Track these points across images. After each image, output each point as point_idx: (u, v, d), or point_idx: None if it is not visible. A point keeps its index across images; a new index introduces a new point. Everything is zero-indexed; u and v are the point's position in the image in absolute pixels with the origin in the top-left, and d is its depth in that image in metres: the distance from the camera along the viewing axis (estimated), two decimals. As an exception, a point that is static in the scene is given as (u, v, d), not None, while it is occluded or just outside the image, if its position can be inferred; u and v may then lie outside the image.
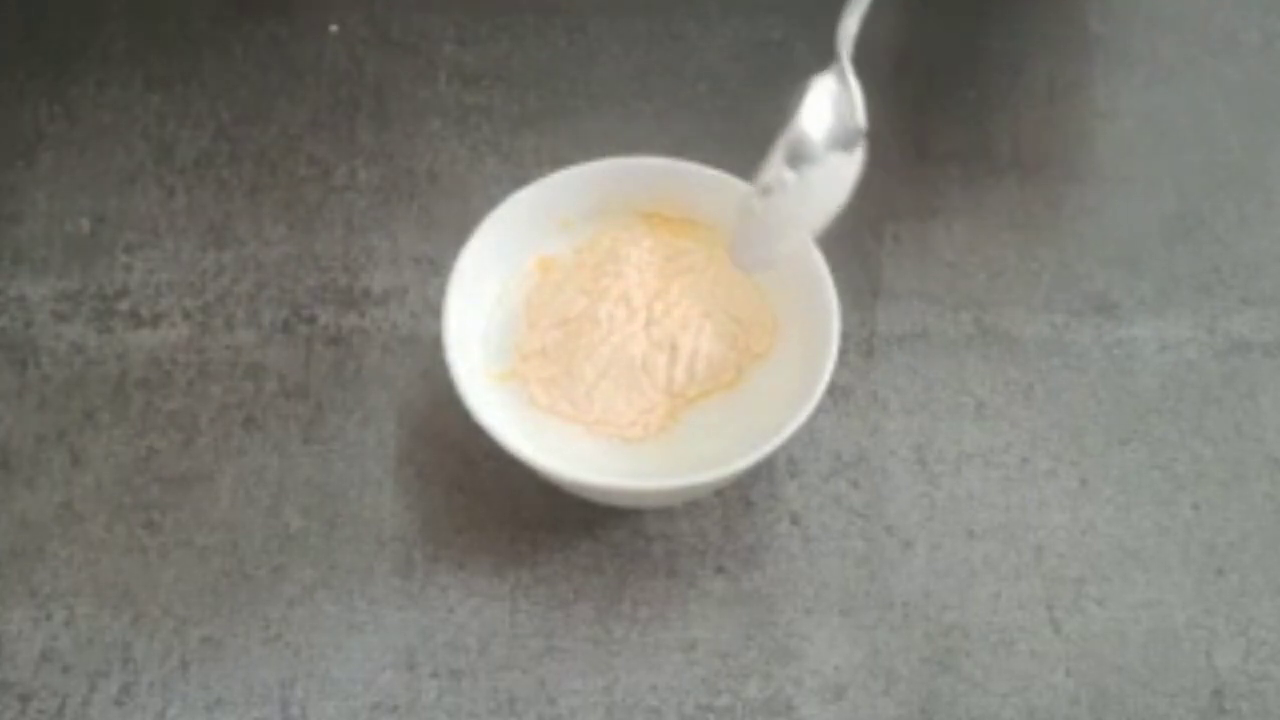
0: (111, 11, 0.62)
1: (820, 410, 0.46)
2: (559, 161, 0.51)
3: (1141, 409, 0.53)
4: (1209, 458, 0.52)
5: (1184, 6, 0.64)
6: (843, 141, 0.45)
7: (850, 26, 0.45)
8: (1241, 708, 0.47)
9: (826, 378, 0.46)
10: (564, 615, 0.49)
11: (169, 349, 0.54)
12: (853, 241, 0.56)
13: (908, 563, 0.50)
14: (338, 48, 0.61)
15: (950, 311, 0.55)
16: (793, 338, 0.50)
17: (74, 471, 0.51)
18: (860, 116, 0.45)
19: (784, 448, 0.46)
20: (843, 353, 0.47)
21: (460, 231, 0.49)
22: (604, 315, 0.48)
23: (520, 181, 0.50)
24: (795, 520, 0.50)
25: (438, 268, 0.55)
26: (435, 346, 0.47)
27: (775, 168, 0.44)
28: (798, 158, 0.44)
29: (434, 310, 0.48)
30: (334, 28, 0.62)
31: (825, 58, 0.46)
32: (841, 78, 0.45)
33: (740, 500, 0.51)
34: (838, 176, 0.45)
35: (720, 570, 0.49)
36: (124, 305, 0.55)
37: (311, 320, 0.54)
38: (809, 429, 0.47)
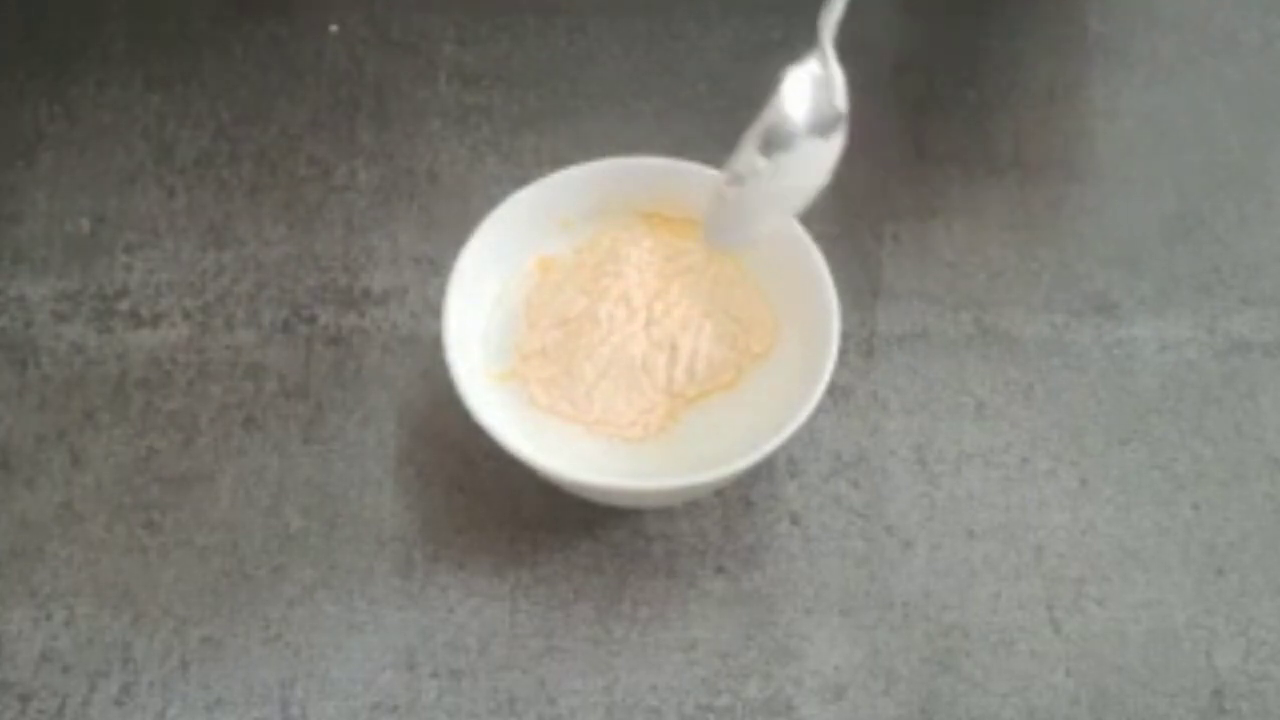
0: (111, 11, 0.62)
1: (820, 410, 0.46)
2: (559, 161, 0.51)
3: (1141, 409, 0.53)
4: (1209, 458, 0.52)
5: (1184, 6, 0.64)
6: (820, 127, 0.45)
7: (834, 10, 0.45)
8: (1241, 708, 0.47)
9: (826, 378, 0.45)
10: (564, 615, 0.49)
11: (169, 349, 0.54)
12: (853, 241, 0.56)
13: (908, 563, 0.50)
14: (338, 48, 0.61)
15: (950, 311, 0.55)
16: (793, 338, 0.50)
17: (74, 471, 0.51)
18: (840, 100, 0.45)
19: (784, 448, 0.46)
20: (843, 353, 0.47)
21: (460, 231, 0.49)
22: (604, 315, 0.48)
23: (520, 181, 0.50)
24: (795, 520, 0.50)
25: (438, 268, 0.54)
26: (435, 346, 0.47)
27: (747, 155, 0.44)
28: (771, 144, 0.44)
29: (434, 310, 0.48)
30: (334, 28, 0.62)
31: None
32: (823, 62, 0.45)
33: (740, 500, 0.51)
34: (815, 161, 0.45)
35: (720, 570, 0.49)
36: (124, 305, 0.55)
37: (311, 320, 0.54)
38: (809, 429, 0.47)
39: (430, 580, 0.49)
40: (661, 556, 0.50)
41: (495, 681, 0.47)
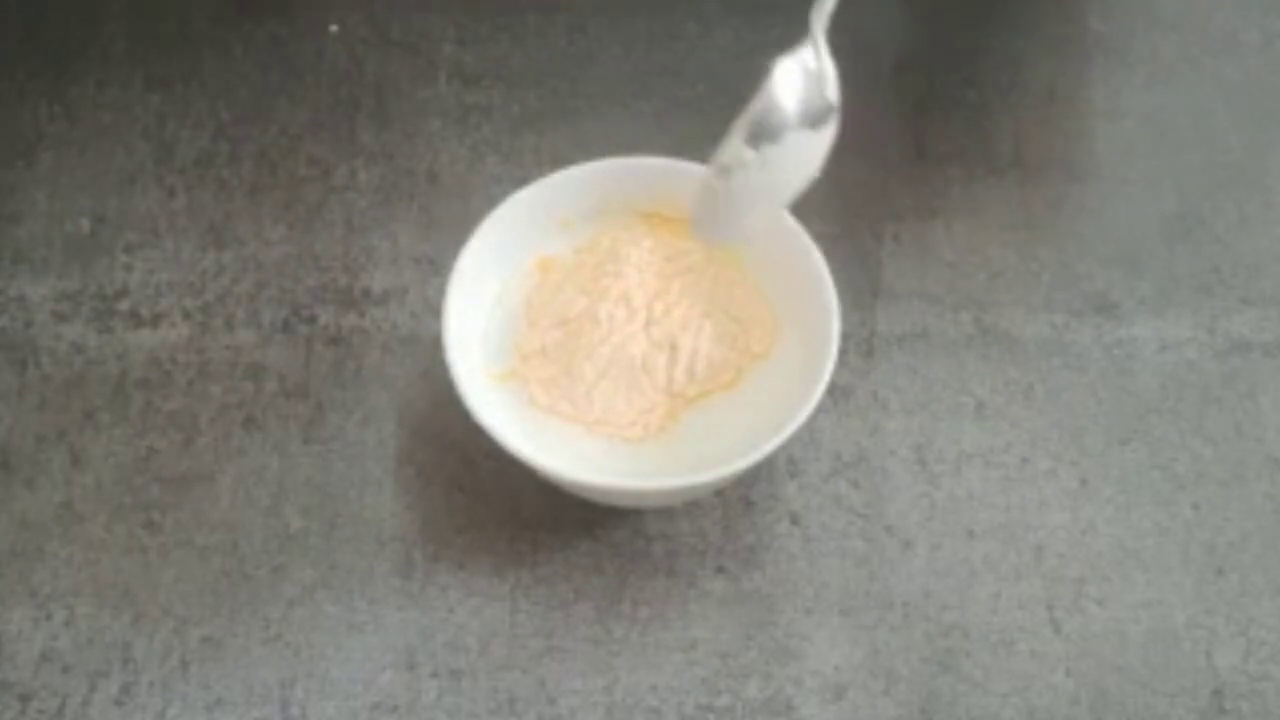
0: (111, 11, 0.62)
1: (820, 410, 0.46)
2: (559, 161, 0.51)
3: (1141, 409, 0.53)
4: (1209, 458, 0.52)
5: (1184, 6, 0.64)
6: (811, 118, 0.44)
7: (826, 2, 0.45)
8: (1241, 708, 0.47)
9: (826, 378, 0.45)
10: (564, 615, 0.49)
11: (169, 349, 0.54)
12: (853, 241, 0.56)
13: (908, 563, 0.50)
14: (338, 48, 0.61)
15: (950, 311, 0.55)
16: (793, 338, 0.50)
17: (74, 471, 0.51)
18: (832, 92, 0.44)
19: (784, 448, 0.45)
20: (843, 353, 0.47)
21: (460, 231, 0.49)
22: (604, 315, 0.48)
23: (520, 181, 0.50)
24: (795, 520, 0.50)
25: (438, 268, 0.55)
26: (435, 346, 0.47)
27: (734, 147, 0.44)
28: (758, 136, 0.43)
29: (434, 310, 0.48)
30: (334, 28, 0.62)
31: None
32: (815, 53, 0.44)
33: (740, 500, 0.51)
34: (805, 153, 0.44)
35: (720, 570, 0.49)
36: (124, 305, 0.55)
37: (311, 320, 0.54)
38: (809, 429, 0.47)
39: (430, 580, 0.49)
40: (661, 556, 0.50)
41: (495, 681, 0.47)
